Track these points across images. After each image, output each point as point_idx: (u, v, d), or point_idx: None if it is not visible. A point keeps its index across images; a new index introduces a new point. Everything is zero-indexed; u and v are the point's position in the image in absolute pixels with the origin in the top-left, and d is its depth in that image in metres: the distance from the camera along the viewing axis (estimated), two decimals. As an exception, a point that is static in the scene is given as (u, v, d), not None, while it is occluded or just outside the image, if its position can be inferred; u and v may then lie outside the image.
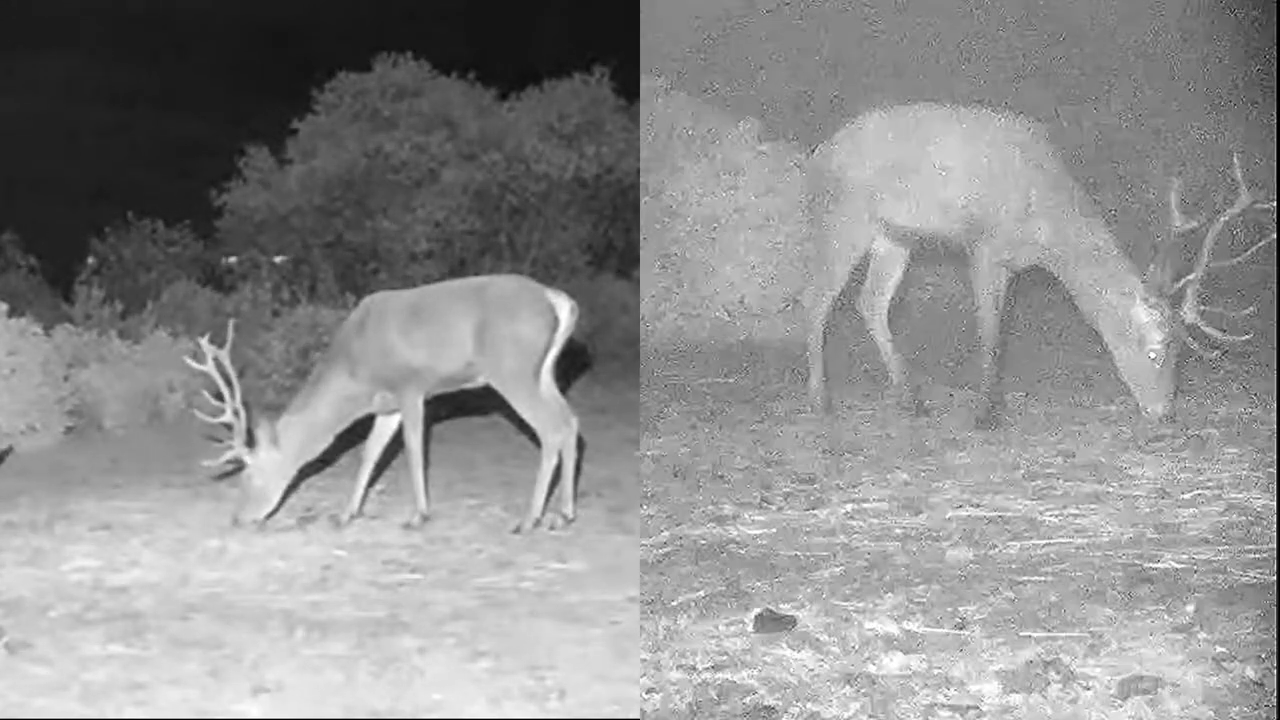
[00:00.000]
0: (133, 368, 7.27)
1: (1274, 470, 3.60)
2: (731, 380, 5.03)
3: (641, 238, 5.80)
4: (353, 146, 12.21)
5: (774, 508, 3.66)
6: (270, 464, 4.43)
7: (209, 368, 4.49)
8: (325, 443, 4.59)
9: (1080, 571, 2.97)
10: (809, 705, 2.24)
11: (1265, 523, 3.26)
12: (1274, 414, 4.12)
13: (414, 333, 4.51)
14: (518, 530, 4.40)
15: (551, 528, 4.42)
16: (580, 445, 4.59)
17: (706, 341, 5.18)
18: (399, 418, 4.61)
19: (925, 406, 4.32)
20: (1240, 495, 3.53)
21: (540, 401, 4.44)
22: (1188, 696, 2.21)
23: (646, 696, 2.38)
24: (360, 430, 4.71)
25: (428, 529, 4.50)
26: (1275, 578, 2.80)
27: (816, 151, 4.12)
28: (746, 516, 3.58)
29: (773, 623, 2.70)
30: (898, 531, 3.38)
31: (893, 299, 4.21)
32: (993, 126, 3.96)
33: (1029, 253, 3.94)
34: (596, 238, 12.63)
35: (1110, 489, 3.63)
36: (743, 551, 3.30)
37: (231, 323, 4.62)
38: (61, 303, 9.23)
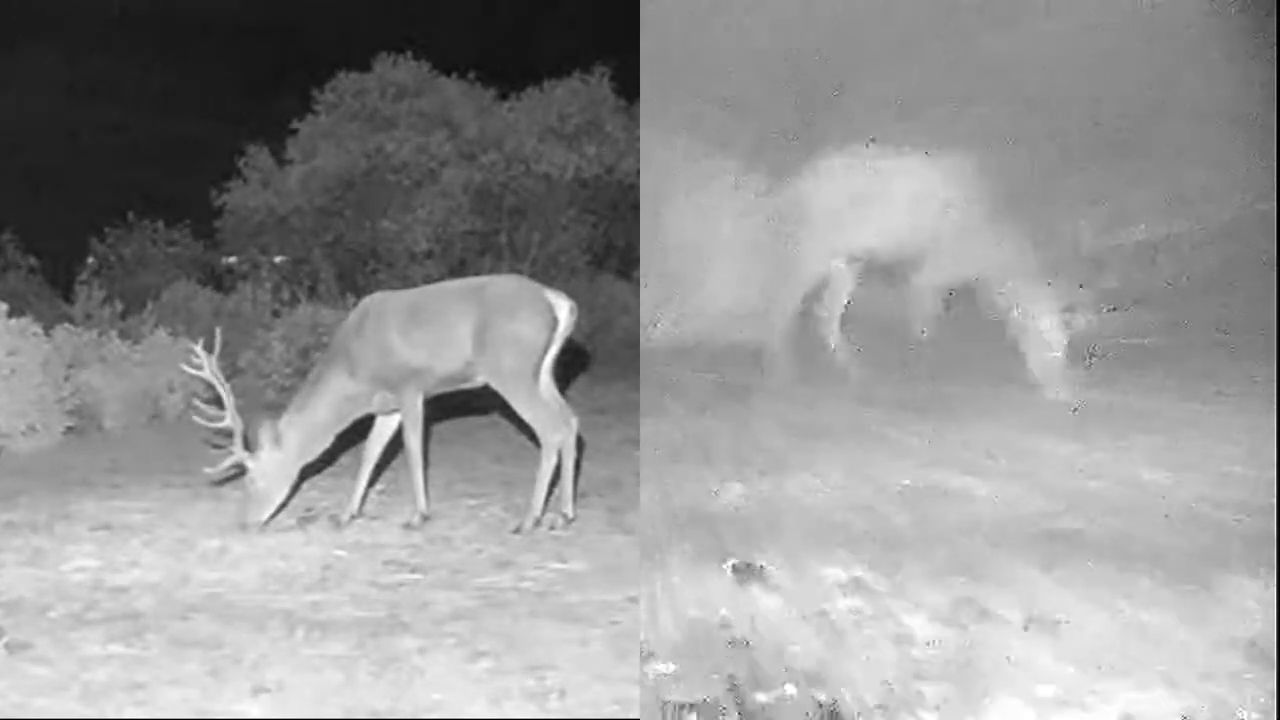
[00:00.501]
0: (133, 368, 7.27)
1: (1170, 452, 4.29)
2: (715, 376, 5.75)
3: (642, 258, 6.51)
4: (353, 146, 12.22)
5: (750, 481, 4.31)
6: (272, 465, 4.43)
7: (206, 374, 4.48)
8: (326, 443, 4.59)
9: (1002, 533, 3.51)
10: (776, 637, 2.78)
11: (1154, 493, 3.89)
12: (1169, 405, 4.82)
13: (413, 333, 4.50)
14: (518, 530, 4.40)
15: (551, 528, 4.41)
16: (580, 445, 4.59)
17: (695, 344, 5.98)
18: (399, 418, 4.61)
19: (874, 397, 4.99)
20: (1138, 471, 4.13)
21: (540, 401, 4.44)
22: (1083, 633, 2.72)
23: (645, 635, 2.88)
24: (360, 430, 4.71)
25: (428, 529, 4.50)
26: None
27: (786, 185, 4.91)
28: (727, 488, 4.24)
29: (747, 573, 3.26)
30: (850, 500, 3.98)
31: (845, 308, 5.04)
32: (933, 167, 4.72)
33: (957, 272, 4.76)
34: (596, 238, 12.65)
35: (1029, 466, 4.25)
36: (724, 516, 3.88)
37: (219, 331, 4.59)
38: (61, 303, 9.23)
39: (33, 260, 10.63)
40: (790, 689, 2.48)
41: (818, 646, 2.72)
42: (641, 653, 2.77)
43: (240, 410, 4.48)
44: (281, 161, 12.69)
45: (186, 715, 2.76)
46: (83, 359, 7.09)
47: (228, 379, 4.54)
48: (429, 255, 11.99)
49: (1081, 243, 4.46)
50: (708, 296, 5.50)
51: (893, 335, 4.99)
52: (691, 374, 5.70)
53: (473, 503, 4.95)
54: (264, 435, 4.42)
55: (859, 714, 2.37)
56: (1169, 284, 5.05)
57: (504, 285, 4.60)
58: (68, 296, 9.22)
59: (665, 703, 2.46)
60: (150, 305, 8.98)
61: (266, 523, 4.46)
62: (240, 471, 4.48)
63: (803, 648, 2.71)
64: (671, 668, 2.64)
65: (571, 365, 5.41)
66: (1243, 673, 2.48)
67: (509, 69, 13.32)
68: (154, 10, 16.39)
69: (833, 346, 5.05)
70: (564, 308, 4.45)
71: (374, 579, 3.86)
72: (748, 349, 5.35)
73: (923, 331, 4.92)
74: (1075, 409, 4.65)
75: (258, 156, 12.68)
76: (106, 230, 11.75)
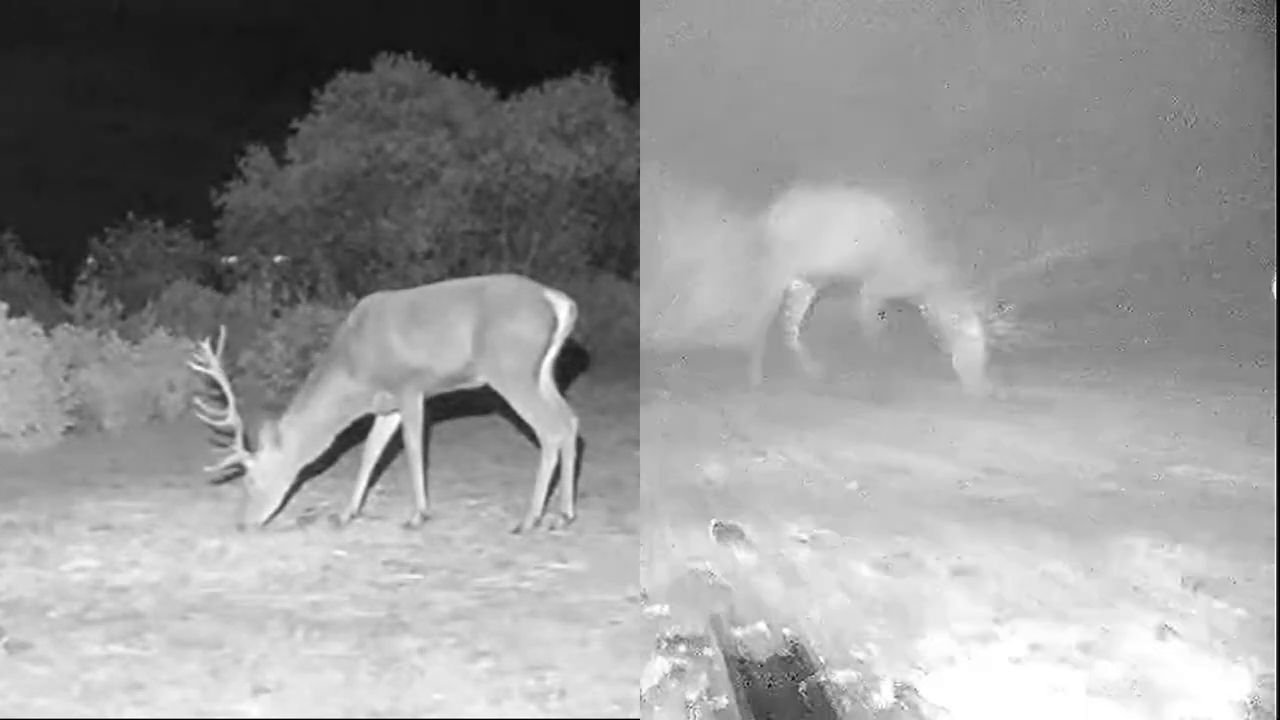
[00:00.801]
0: (133, 368, 7.26)
1: (1068, 434, 5.10)
2: (702, 373, 6.69)
3: (642, 276, 7.46)
4: (353, 146, 12.21)
5: (729, 457, 5.06)
6: (272, 465, 4.43)
7: (211, 371, 4.48)
8: (325, 443, 4.59)
9: (932, 498, 4.26)
10: (750, 583, 3.42)
11: (1055, 466, 4.68)
12: (1068, 395, 5.71)
13: (413, 333, 4.50)
14: (518, 530, 4.40)
15: (551, 528, 4.42)
16: (580, 445, 4.59)
17: (686, 346, 6.91)
18: (399, 418, 4.61)
19: (829, 389, 6.03)
20: (1042, 449, 4.97)
21: (539, 401, 4.43)
22: (998, 580, 3.35)
23: (643, 582, 3.48)
24: (360, 431, 4.71)
25: (428, 529, 4.50)
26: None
27: (757, 218, 5.99)
28: (714, 462, 5.00)
29: (727, 531, 3.95)
30: (810, 473, 4.81)
31: (805, 316, 6.14)
32: (876, 203, 5.71)
33: (897, 287, 5.73)
34: (596, 238, 12.64)
35: (955, 444, 5.08)
36: (708, 487, 4.64)
37: (223, 330, 4.59)
38: (61, 303, 9.21)
39: (33, 260, 10.62)
40: (761, 625, 3.05)
41: (783, 591, 3.34)
42: (640, 596, 3.35)
43: (240, 410, 4.48)
44: (281, 161, 12.68)
45: (186, 715, 2.76)
46: (83, 359, 7.09)
47: (228, 379, 4.54)
48: (429, 255, 11.99)
49: (997, 265, 5.37)
50: (696, 307, 6.62)
51: (844, 339, 6.00)
52: (682, 371, 6.69)
53: (473, 503, 4.95)
54: (264, 435, 4.42)
55: (817, 646, 2.89)
56: (1070, 296, 6.32)
57: (504, 285, 4.60)
58: (68, 296, 9.19)
59: (660, 635, 3.02)
60: (150, 305, 8.97)
61: (266, 523, 4.46)
62: (239, 471, 4.49)
63: (771, 592, 3.31)
64: (665, 608, 3.24)
65: (571, 365, 5.43)
66: (1129, 612, 3.05)
67: (509, 69, 13.32)
68: (154, 10, 16.40)
69: (795, 349, 6.11)
70: (564, 308, 4.45)
71: (374, 579, 3.86)
72: (728, 350, 6.33)
73: (874, 334, 5.96)
74: (992, 398, 5.62)
75: (258, 156, 12.67)
76: (106, 230, 11.74)
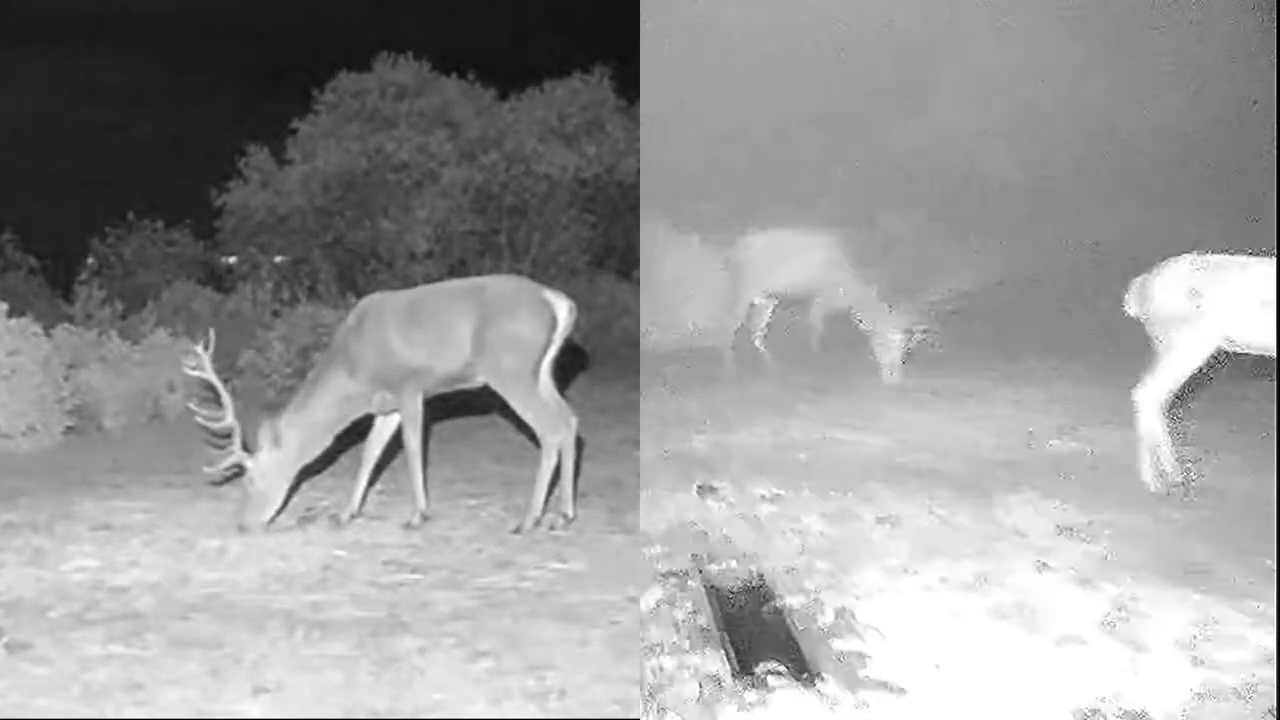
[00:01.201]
0: (133, 368, 7.25)
1: (966, 415, 6.37)
2: (689, 368, 7.93)
3: (642, 293, 8.91)
4: (353, 146, 12.20)
5: (709, 434, 6.10)
6: (272, 466, 4.43)
7: (204, 374, 4.47)
8: (325, 443, 4.59)
9: (864, 466, 5.28)
10: (724, 530, 4.31)
11: (955, 440, 5.78)
12: (966, 386, 7.12)
13: (412, 333, 4.49)
14: (518, 530, 4.40)
15: (551, 528, 4.42)
16: (580, 445, 4.60)
17: (677, 347, 8.31)
18: (398, 418, 4.61)
19: (786, 382, 7.21)
20: (947, 426, 6.14)
21: (539, 401, 4.43)
22: (912, 526, 4.30)
23: (643, 527, 4.35)
24: (360, 431, 4.71)
25: (428, 529, 4.50)
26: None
27: (730, 249, 7.48)
28: (698, 437, 6.03)
29: (706, 490, 4.92)
30: (772, 445, 5.82)
31: (766, 325, 7.59)
32: (820, 239, 7.24)
33: (836, 303, 7.24)
34: (596, 238, 12.63)
35: (881, 424, 6.20)
36: (693, 456, 5.62)
37: (211, 333, 4.58)
38: (61, 303, 9.20)
39: (33, 260, 10.60)
40: (733, 562, 3.90)
41: (750, 536, 4.23)
42: (642, 540, 4.17)
43: (240, 410, 4.48)
44: (281, 161, 12.66)
45: (186, 715, 2.77)
46: (83, 359, 7.08)
47: (227, 380, 4.54)
48: (429, 255, 11.98)
49: (916, 288, 6.91)
50: (684, 317, 8.40)
51: (797, 343, 7.47)
52: (673, 367, 7.96)
53: (473, 503, 4.95)
54: (262, 435, 4.42)
55: (774, 578, 3.71)
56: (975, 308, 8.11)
57: (503, 285, 4.60)
58: (68, 296, 9.18)
59: (655, 569, 3.83)
60: (150, 305, 8.96)
61: (269, 524, 4.46)
62: (239, 472, 4.49)
63: (741, 537, 4.21)
64: (659, 549, 4.09)
65: (571, 365, 5.45)
66: (1014, 552, 3.94)
67: (509, 69, 13.31)
68: (154, 10, 16.40)
69: (760, 350, 7.52)
70: (563, 308, 4.45)
71: (374, 579, 3.86)
72: (709, 351, 7.75)
73: (818, 338, 7.47)
74: (908, 389, 6.90)
75: (258, 156, 12.65)
76: (106, 230, 11.71)
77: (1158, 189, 9.00)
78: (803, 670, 2.96)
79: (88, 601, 3.62)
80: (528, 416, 4.43)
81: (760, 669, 2.96)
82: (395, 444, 4.71)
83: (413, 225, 11.96)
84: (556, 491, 4.50)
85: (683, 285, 8.09)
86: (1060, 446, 5.52)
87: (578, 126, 12.50)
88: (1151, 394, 4.59)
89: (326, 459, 4.76)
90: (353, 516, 4.62)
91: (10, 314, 6.49)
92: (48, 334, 6.75)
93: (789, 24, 9.61)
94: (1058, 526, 4.21)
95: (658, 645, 3.16)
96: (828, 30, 9.46)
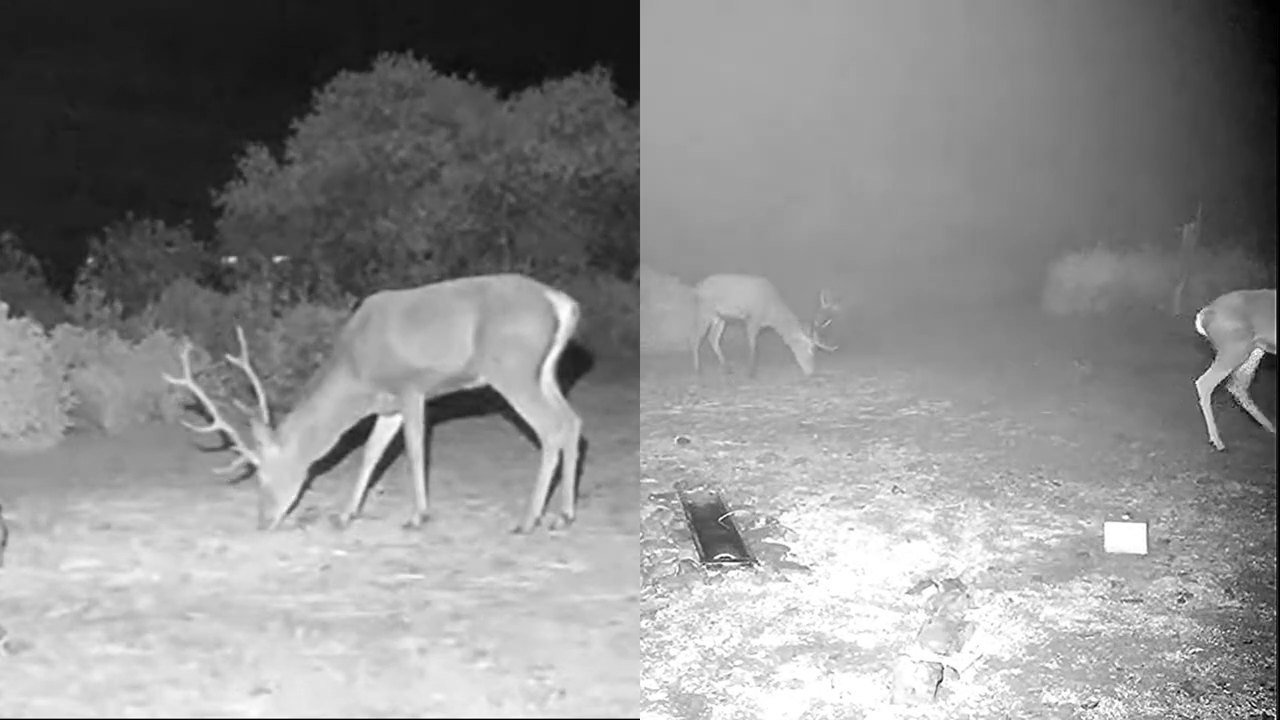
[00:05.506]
0: (133, 368, 7.26)
1: (854, 391, 8.54)
2: (670, 363, 10.13)
3: (641, 309, 11.17)
4: (353, 146, 12.21)
5: (684, 404, 8.15)
6: (275, 461, 4.44)
7: (188, 383, 4.51)
8: (330, 442, 4.59)
9: (783, 425, 7.16)
10: (694, 468, 5.90)
11: (839, 406, 7.87)
12: (861, 369, 9.51)
13: (415, 333, 4.49)
14: (518, 530, 4.40)
15: (551, 528, 4.42)
16: (582, 445, 4.59)
17: (663, 350, 10.67)
18: (399, 420, 4.61)
19: (734, 375, 9.51)
20: (843, 400, 8.12)
21: (541, 402, 4.43)
22: (811, 463, 5.92)
23: (642, 465, 5.91)
24: (361, 432, 4.71)
25: (428, 529, 4.50)
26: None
27: (696, 286, 9.97)
28: (677, 407, 7.96)
29: (683, 441, 6.57)
30: (723, 413, 7.71)
31: (720, 337, 9.98)
32: (752, 282, 9.62)
33: (764, 321, 9.47)
34: (596, 238, 12.63)
35: (793, 398, 8.32)
36: (674, 418, 7.51)
37: (188, 344, 4.62)
38: (61, 303, 9.19)
39: (33, 260, 10.59)
40: (701, 488, 5.28)
41: (711, 470, 5.82)
42: (641, 474, 5.68)
43: (239, 411, 4.48)
44: (281, 161, 12.67)
45: (186, 715, 2.76)
46: (83, 359, 7.08)
47: (226, 380, 4.54)
48: (429, 255, 11.99)
49: (815, 310, 9.42)
50: (667, 330, 11.00)
51: (740, 349, 9.74)
52: (660, 362, 10.20)
53: (473, 503, 4.95)
54: (257, 433, 4.42)
55: (727, 498, 5.10)
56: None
57: (505, 286, 4.58)
58: (68, 296, 9.17)
59: (649, 493, 5.24)
60: (150, 305, 8.95)
61: (281, 519, 4.49)
62: (250, 471, 4.50)
63: (705, 473, 5.75)
64: (653, 480, 5.54)
65: (571, 365, 5.44)
66: (878, 480, 5.46)
67: (509, 69, 13.31)
68: (154, 10, 16.39)
69: (716, 353, 9.85)
70: (565, 308, 4.44)
71: (374, 579, 3.86)
72: (682, 356, 10.08)
73: (753, 345, 9.68)
74: (813, 375, 9.16)
75: (258, 156, 12.66)
76: (106, 230, 11.71)
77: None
78: (745, 557, 4.24)
79: (88, 601, 3.62)
80: (529, 417, 4.42)
81: (717, 556, 4.23)
82: (396, 445, 4.70)
83: (412, 225, 11.97)
84: (557, 492, 4.49)
85: (666, 310, 11.10)
86: (907, 411, 7.45)
87: (578, 126, 12.50)
88: (1208, 383, 5.99)
89: (326, 459, 4.76)
90: (353, 517, 4.61)
91: (10, 314, 6.50)
92: (48, 334, 6.75)
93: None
94: (905, 463, 5.79)
95: (651, 541, 4.52)
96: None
